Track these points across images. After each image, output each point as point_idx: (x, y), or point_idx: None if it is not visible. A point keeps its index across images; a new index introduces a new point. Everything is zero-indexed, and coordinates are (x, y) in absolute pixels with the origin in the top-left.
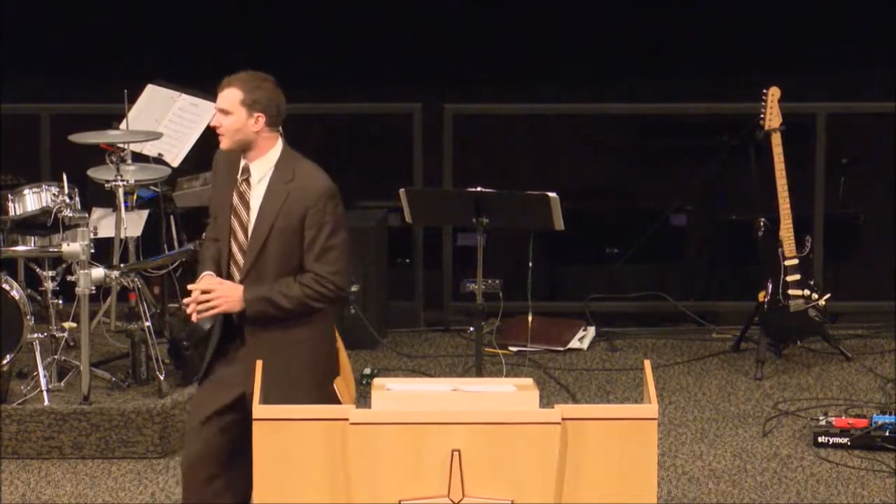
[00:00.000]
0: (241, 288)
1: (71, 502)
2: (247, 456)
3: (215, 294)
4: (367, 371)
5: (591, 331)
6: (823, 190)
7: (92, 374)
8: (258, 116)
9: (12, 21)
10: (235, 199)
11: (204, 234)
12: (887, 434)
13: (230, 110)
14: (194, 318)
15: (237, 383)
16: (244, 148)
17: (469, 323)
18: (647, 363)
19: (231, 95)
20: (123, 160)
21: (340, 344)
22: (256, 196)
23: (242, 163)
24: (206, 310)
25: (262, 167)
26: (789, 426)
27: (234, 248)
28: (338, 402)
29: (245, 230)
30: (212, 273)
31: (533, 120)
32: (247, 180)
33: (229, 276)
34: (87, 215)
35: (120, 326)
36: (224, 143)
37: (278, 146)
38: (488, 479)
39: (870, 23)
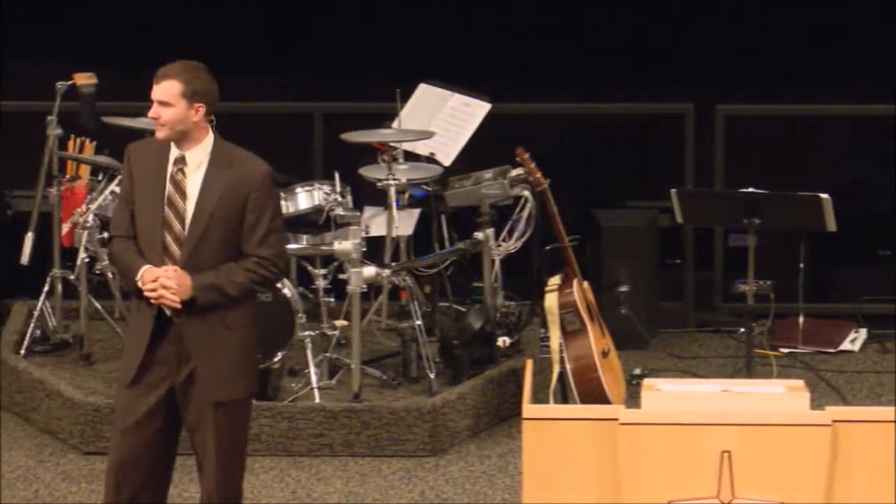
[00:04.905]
0: (188, 277)
1: (340, 500)
2: (169, 459)
3: (172, 283)
4: (637, 371)
5: (863, 332)
6: None
7: (363, 372)
8: (198, 107)
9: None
10: (170, 189)
11: (108, 233)
12: None
13: (170, 102)
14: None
15: (163, 380)
16: (179, 138)
17: (739, 324)
18: None
19: (170, 87)
20: (395, 159)
21: (611, 344)
22: (193, 185)
23: (175, 153)
24: (159, 297)
25: (198, 155)
26: None
27: (169, 240)
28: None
29: (182, 220)
30: (151, 266)
31: (802, 120)
32: (182, 170)
33: None
34: (358, 214)
35: (391, 325)
36: (162, 133)
37: (211, 134)
38: (757, 481)
39: None
